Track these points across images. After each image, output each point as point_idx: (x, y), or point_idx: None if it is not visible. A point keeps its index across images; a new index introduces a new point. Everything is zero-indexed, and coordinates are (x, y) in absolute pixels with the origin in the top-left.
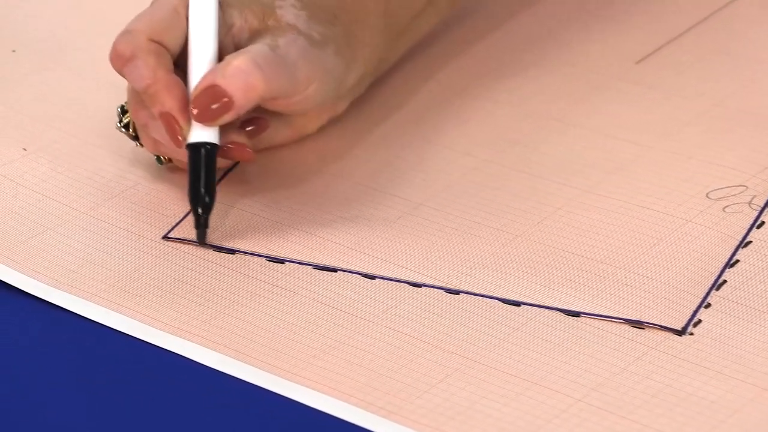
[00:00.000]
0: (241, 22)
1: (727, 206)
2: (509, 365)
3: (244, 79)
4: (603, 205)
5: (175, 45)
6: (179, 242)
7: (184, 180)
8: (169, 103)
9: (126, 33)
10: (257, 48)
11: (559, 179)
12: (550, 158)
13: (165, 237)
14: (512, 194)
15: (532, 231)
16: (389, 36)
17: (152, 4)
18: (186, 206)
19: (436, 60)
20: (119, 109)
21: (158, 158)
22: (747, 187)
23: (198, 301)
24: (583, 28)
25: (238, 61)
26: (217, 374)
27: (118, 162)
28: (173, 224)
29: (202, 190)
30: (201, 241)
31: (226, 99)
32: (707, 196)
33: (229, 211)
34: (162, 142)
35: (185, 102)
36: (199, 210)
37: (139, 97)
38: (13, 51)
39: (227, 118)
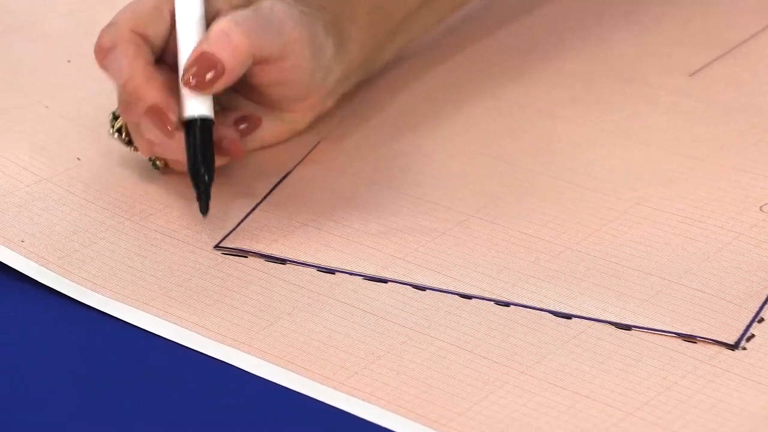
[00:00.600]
0: (226, 6)
1: None
2: (559, 378)
3: (228, 40)
4: (655, 218)
5: (158, 38)
6: (231, 252)
7: (231, 189)
8: (152, 94)
9: (109, 25)
10: (239, 12)
11: (609, 192)
12: (600, 170)
13: (216, 246)
14: (562, 206)
15: (583, 243)
16: (377, 35)
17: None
18: (237, 216)
19: (479, 67)
20: (111, 116)
21: (154, 163)
22: None
23: (248, 310)
24: (637, 40)
25: (218, 24)
26: (267, 384)
27: (170, 172)
28: (225, 234)
29: (201, 165)
30: (204, 212)
31: (214, 61)
32: (761, 209)
33: (279, 221)
34: (155, 140)
35: (168, 91)
36: (201, 186)
37: (127, 95)
38: (69, 61)
39: (221, 83)
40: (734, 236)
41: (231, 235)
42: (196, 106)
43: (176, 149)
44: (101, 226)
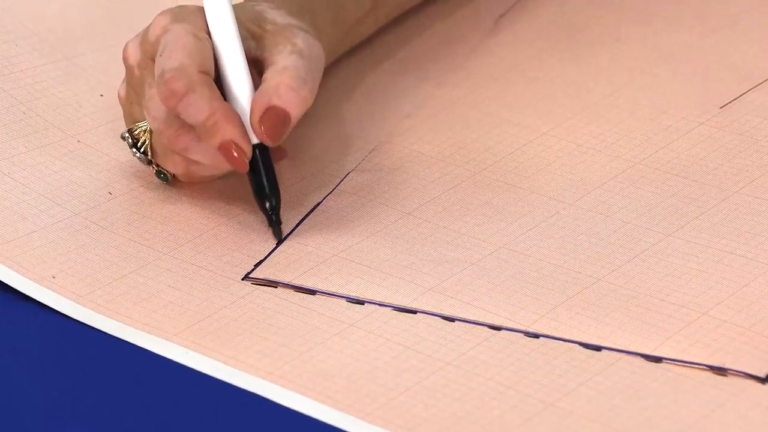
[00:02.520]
0: (243, 32)
1: None
2: (589, 410)
3: (297, 95)
4: (686, 250)
5: (212, 68)
6: (260, 282)
7: (261, 220)
8: (231, 131)
9: (176, 70)
10: (291, 61)
11: (640, 223)
12: (631, 202)
13: (246, 277)
14: (593, 238)
15: (613, 275)
16: (339, 29)
17: (163, 35)
18: (267, 247)
19: (506, 110)
20: (128, 135)
21: (163, 174)
22: None
23: (278, 341)
24: (668, 72)
25: (286, 80)
26: (297, 415)
27: (200, 204)
28: (254, 265)
29: (267, 187)
30: (278, 238)
31: (286, 117)
32: None
33: (309, 251)
34: (204, 162)
35: (244, 127)
36: (269, 208)
37: (179, 123)
38: (101, 95)
39: (287, 133)
40: (766, 269)
41: (261, 266)
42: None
43: (210, 167)
44: (132, 259)
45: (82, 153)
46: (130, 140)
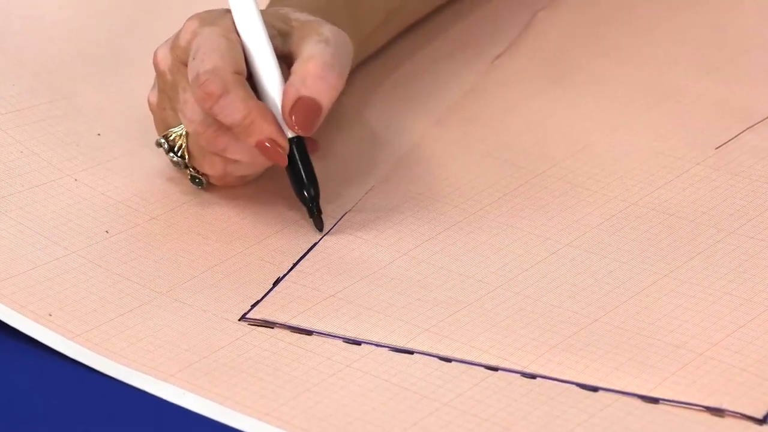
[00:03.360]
0: (271, 30)
1: None
2: None
3: (326, 83)
4: (683, 290)
5: (245, 70)
6: (257, 323)
7: (258, 259)
8: (267, 129)
9: (210, 72)
10: (318, 49)
11: (636, 264)
12: (627, 242)
13: (242, 318)
14: (589, 278)
15: (610, 315)
16: (355, 40)
17: (194, 39)
18: (264, 287)
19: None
20: (163, 141)
21: (198, 180)
22: None
23: (274, 382)
24: (664, 113)
25: (312, 68)
26: None
27: (198, 243)
28: (250, 305)
29: (305, 178)
30: (320, 228)
31: (316, 106)
32: None
33: (306, 292)
34: (243, 160)
35: (279, 124)
36: (308, 199)
37: (216, 124)
38: (99, 134)
39: (320, 121)
40: (762, 309)
41: (257, 306)
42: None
43: (247, 166)
44: (129, 298)
45: (79, 191)
46: (166, 145)
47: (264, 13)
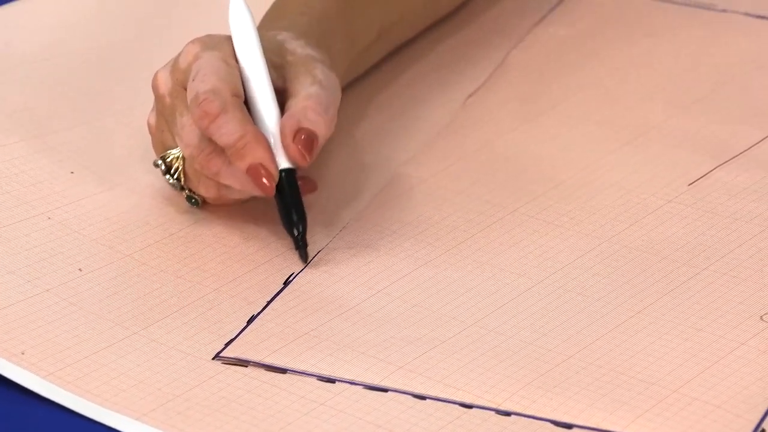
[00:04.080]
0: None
1: None
2: None
3: (323, 118)
4: (655, 327)
5: (243, 95)
6: (231, 362)
7: (231, 297)
8: (260, 153)
9: (210, 92)
10: (314, 90)
11: (610, 300)
12: (600, 279)
13: (216, 357)
14: (562, 315)
15: (584, 352)
16: (348, 58)
17: (195, 62)
18: (238, 326)
19: (478, 173)
20: (160, 162)
21: (194, 200)
22: None
23: (249, 421)
24: (637, 149)
25: (311, 105)
26: None
27: (172, 282)
28: (224, 344)
29: (294, 215)
30: (304, 260)
31: (315, 137)
32: (761, 319)
33: (280, 330)
34: (234, 186)
35: (272, 151)
36: (296, 231)
37: (211, 148)
38: (72, 173)
39: (317, 153)
40: (735, 345)
41: (231, 345)
42: (282, 159)
43: (239, 191)
44: (102, 337)
45: (52, 229)
46: (163, 167)
47: (261, 40)
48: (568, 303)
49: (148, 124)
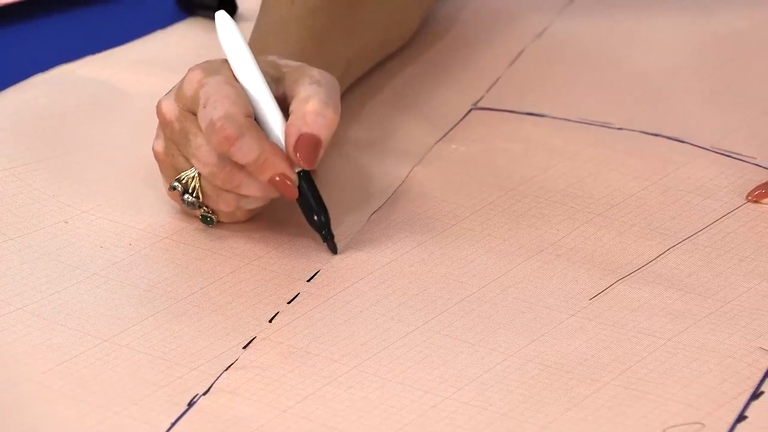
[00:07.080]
0: (265, 76)
1: None
2: None
3: (323, 119)
4: None
5: (252, 114)
6: None
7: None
8: (280, 166)
9: (224, 118)
10: (312, 89)
11: (514, 416)
12: (505, 396)
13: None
14: (471, 430)
15: None
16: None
17: (201, 88)
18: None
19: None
20: (177, 184)
21: (209, 219)
22: (704, 425)
23: None
24: (538, 265)
25: (310, 107)
26: None
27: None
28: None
29: (318, 211)
30: (334, 251)
31: (317, 141)
32: None
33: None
34: (256, 194)
35: (289, 160)
36: (321, 228)
37: (230, 164)
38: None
39: (321, 155)
40: None
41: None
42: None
43: (259, 199)
44: None
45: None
46: (180, 188)
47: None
48: (474, 419)
49: (155, 152)
